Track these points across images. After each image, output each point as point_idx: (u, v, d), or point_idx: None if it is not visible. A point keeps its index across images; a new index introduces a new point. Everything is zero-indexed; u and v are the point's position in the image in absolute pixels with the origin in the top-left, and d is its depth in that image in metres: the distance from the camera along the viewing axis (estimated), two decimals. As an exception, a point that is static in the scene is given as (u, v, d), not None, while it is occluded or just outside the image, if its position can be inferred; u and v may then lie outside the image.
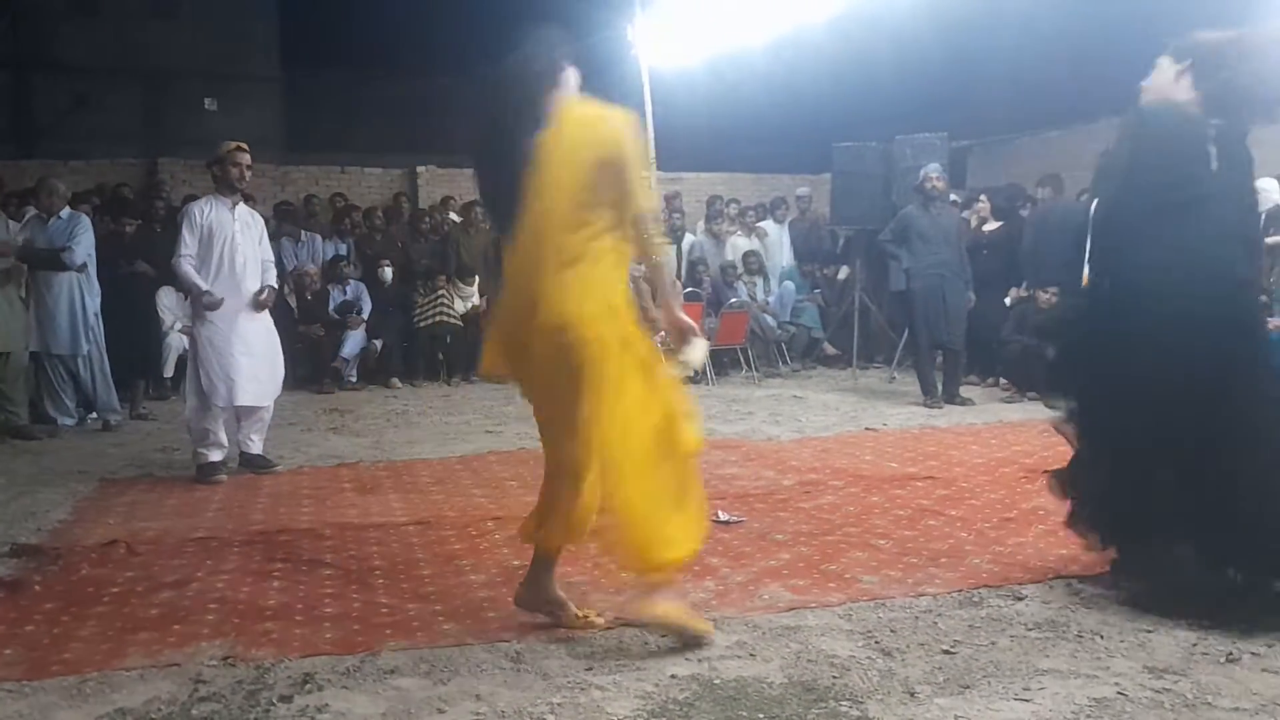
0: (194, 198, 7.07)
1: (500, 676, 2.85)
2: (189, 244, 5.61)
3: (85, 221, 7.30)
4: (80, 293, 7.19)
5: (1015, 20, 11.40)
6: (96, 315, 7.31)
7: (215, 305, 5.55)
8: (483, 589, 3.59)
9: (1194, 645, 2.97)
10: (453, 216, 11.16)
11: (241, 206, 5.83)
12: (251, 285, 5.72)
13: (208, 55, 16.09)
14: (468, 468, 5.80)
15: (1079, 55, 12.07)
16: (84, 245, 7.12)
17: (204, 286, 5.57)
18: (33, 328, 7.09)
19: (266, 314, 5.83)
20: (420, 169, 12.78)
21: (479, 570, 3.81)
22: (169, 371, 8.64)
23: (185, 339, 5.59)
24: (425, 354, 9.90)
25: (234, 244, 5.65)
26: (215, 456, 5.62)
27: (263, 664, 2.95)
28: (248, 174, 5.76)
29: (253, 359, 5.66)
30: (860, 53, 12.32)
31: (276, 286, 6.12)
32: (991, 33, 12.14)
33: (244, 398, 5.61)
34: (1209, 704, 2.60)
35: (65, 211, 7.23)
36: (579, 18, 13.90)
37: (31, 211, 7.38)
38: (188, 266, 5.61)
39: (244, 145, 5.75)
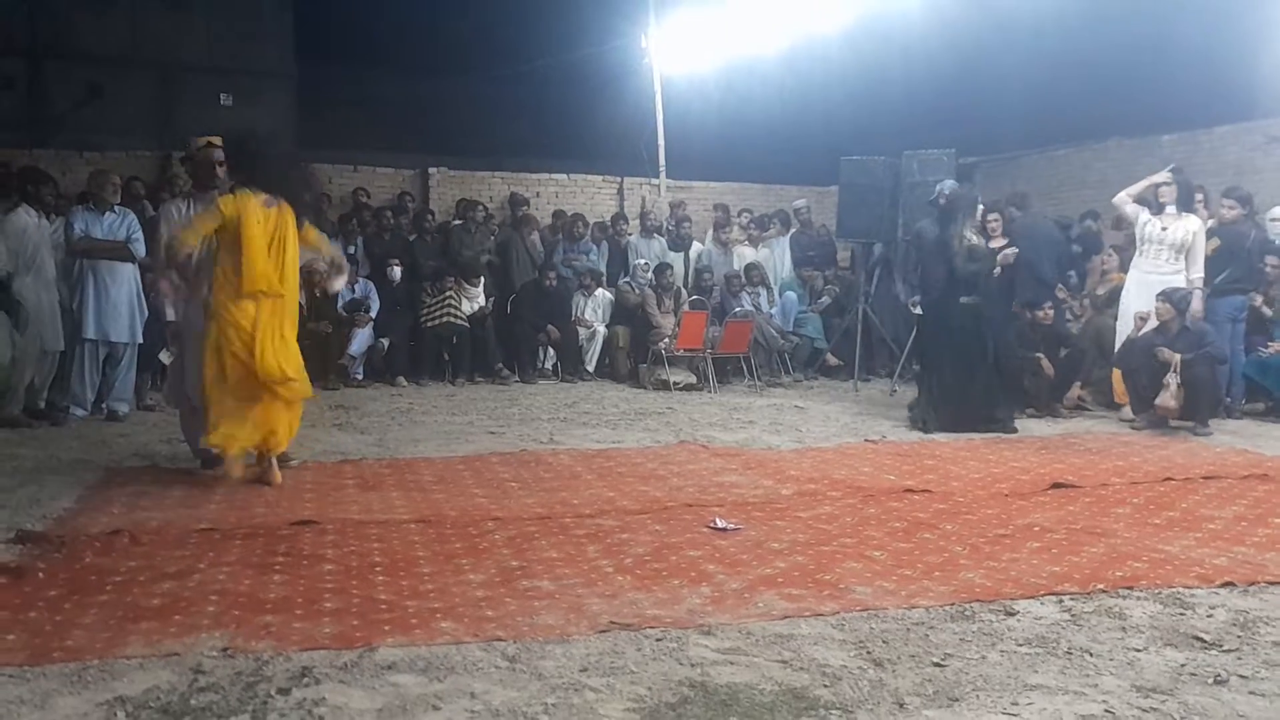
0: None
1: (496, 675, 2.89)
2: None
3: (134, 216, 7.53)
4: (137, 283, 7.41)
5: (1025, 39, 11.45)
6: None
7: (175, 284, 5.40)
8: (481, 588, 3.63)
9: (1182, 666, 3.01)
10: (454, 221, 11.23)
11: None
12: None
13: (222, 49, 16.20)
14: (469, 467, 5.85)
15: (1088, 74, 12.11)
16: (141, 238, 7.38)
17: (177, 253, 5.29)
18: (90, 316, 7.23)
19: None
20: (432, 170, 12.83)
21: (478, 570, 3.86)
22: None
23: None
24: (431, 354, 9.95)
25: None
26: (218, 446, 5.63)
27: (261, 656, 3.00)
28: (220, 170, 5.56)
29: None
30: (871, 66, 12.38)
31: None
32: (1001, 51, 12.19)
33: None
34: (1194, 724, 2.64)
35: (116, 205, 7.42)
36: (594, 24, 14.06)
37: (78, 208, 7.47)
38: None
39: (216, 140, 5.57)
